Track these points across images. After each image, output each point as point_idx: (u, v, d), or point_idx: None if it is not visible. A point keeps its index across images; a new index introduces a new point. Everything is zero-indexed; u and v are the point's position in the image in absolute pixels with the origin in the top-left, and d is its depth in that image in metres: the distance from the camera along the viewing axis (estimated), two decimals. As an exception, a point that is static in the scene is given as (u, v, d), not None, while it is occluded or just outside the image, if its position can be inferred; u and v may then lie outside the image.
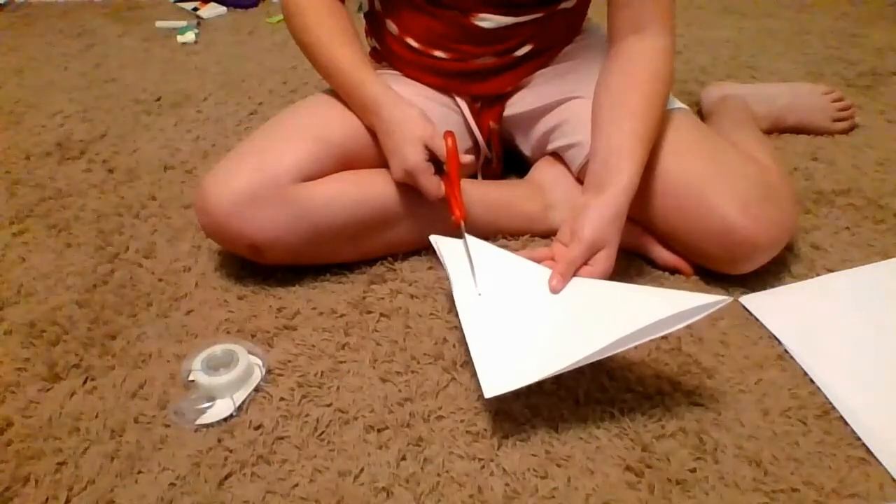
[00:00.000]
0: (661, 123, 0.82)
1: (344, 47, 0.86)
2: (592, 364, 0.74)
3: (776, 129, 1.18)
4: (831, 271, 0.87)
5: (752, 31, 1.65)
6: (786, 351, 0.76)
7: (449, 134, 0.80)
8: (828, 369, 0.73)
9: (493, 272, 0.75)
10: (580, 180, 0.88)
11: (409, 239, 0.89)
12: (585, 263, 0.72)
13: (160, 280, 0.90)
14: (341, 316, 0.83)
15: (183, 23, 1.77)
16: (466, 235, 0.78)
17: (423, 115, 0.82)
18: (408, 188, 0.84)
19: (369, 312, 0.83)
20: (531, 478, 0.64)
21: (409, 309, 0.83)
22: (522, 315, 0.71)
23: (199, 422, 0.70)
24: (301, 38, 0.88)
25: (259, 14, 1.87)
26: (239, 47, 1.65)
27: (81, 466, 0.66)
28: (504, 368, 0.66)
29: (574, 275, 0.72)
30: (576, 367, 0.63)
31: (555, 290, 0.71)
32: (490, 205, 0.91)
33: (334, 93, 0.92)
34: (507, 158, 1.04)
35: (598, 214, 0.72)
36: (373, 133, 0.86)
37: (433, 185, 0.80)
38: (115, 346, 0.80)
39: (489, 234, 0.91)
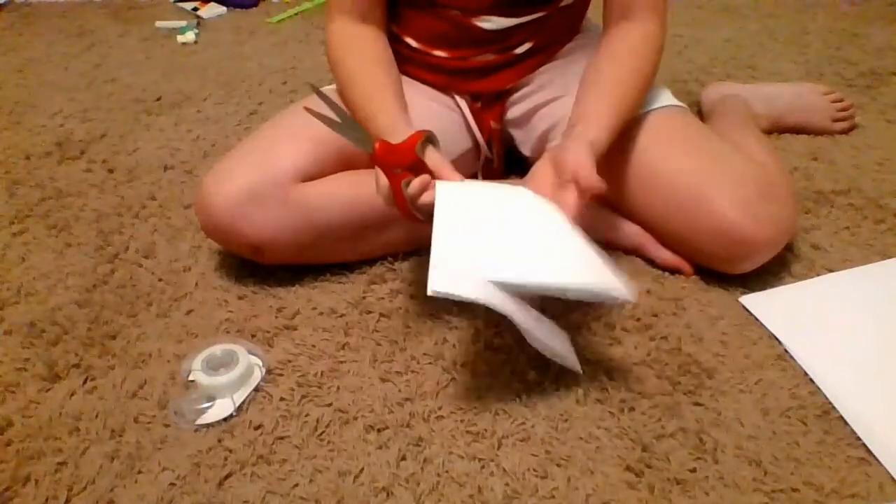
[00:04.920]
0: (642, 99, 0.84)
1: (370, 79, 0.85)
2: (592, 364, 0.75)
3: (776, 129, 1.17)
4: (831, 271, 0.87)
5: (752, 31, 1.64)
6: (786, 351, 0.76)
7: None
8: (828, 369, 0.73)
9: (470, 197, 0.72)
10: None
11: (409, 239, 0.89)
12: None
13: (160, 280, 0.90)
14: (341, 316, 0.83)
15: (183, 23, 1.77)
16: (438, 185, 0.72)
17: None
18: None
19: (369, 312, 0.83)
20: (531, 478, 0.64)
21: (409, 309, 0.83)
22: (489, 227, 0.68)
23: (199, 422, 0.70)
24: (334, 71, 0.88)
25: (259, 14, 1.86)
26: (239, 47, 1.65)
27: (81, 466, 0.66)
28: (457, 273, 0.65)
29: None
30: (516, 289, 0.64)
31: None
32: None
33: (334, 93, 0.92)
34: (507, 158, 1.04)
35: (574, 149, 0.71)
36: None
37: (381, 181, 0.74)
38: (115, 346, 0.80)
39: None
